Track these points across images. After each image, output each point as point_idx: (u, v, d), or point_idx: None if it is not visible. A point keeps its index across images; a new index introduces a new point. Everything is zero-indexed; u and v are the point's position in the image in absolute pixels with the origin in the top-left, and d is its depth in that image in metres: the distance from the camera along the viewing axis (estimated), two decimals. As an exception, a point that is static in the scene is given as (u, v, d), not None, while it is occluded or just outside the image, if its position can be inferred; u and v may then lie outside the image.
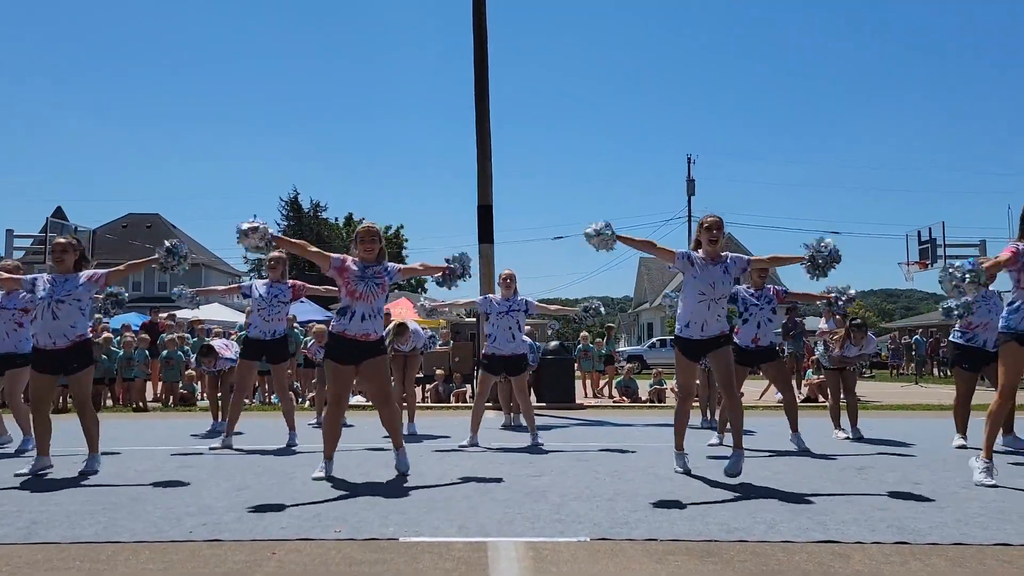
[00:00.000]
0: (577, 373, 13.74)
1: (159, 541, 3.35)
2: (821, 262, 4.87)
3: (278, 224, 52.57)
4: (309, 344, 9.56)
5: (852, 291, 6.25)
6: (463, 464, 5.64)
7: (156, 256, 5.37)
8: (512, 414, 8.72)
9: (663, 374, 13.45)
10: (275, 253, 6.70)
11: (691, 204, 36.51)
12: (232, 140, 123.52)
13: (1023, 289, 4.69)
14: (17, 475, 5.04)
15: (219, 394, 8.40)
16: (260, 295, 6.82)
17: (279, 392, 7.18)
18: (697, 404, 8.43)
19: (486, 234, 12.35)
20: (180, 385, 11.84)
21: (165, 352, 11.80)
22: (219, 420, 8.20)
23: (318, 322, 13.39)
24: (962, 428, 6.67)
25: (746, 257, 5.05)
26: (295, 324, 12.58)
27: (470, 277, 5.77)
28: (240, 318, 17.40)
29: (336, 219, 54.87)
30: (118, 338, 12.20)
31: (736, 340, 6.37)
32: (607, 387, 14.93)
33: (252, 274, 41.54)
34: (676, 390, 5.95)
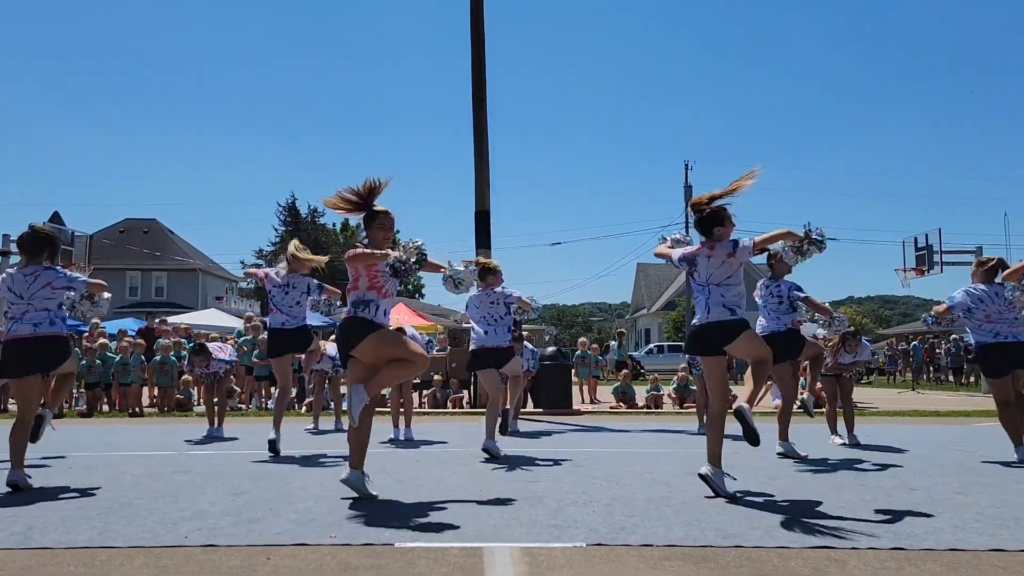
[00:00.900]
0: (574, 379, 13.71)
1: (154, 546, 3.33)
2: (810, 243, 4.78)
3: (275, 230, 52.62)
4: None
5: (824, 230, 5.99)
6: (459, 469, 5.63)
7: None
8: (510, 419, 8.70)
9: (660, 380, 13.43)
10: (304, 256, 6.50)
11: (688, 210, 36.52)
12: (230, 145, 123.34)
13: None
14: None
15: (215, 399, 8.35)
16: (276, 284, 6.70)
17: (280, 385, 6.90)
18: (694, 409, 8.41)
19: (484, 239, 12.37)
20: (176, 391, 11.80)
21: (158, 357, 11.77)
22: (215, 426, 8.12)
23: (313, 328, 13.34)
24: (1016, 435, 5.94)
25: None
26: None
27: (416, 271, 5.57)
28: (238, 323, 17.39)
29: (333, 225, 54.99)
30: (114, 343, 12.17)
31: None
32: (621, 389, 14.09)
33: (250, 280, 41.34)
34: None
